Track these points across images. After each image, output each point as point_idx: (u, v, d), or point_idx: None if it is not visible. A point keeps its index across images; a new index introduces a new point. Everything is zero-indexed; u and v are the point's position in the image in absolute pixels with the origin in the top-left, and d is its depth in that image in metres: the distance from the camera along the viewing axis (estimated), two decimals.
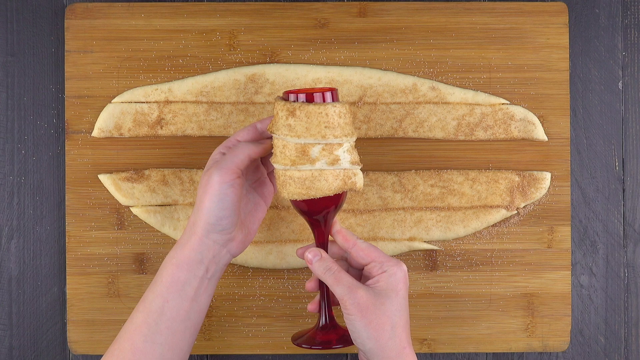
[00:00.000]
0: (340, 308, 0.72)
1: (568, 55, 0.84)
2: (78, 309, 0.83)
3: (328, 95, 0.71)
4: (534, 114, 0.84)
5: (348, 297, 0.69)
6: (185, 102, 0.83)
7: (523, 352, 0.85)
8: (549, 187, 0.84)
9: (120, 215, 0.84)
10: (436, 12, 0.84)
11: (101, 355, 0.83)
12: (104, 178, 0.83)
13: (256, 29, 0.84)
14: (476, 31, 0.84)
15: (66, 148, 0.84)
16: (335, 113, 0.70)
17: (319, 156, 0.70)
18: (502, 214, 0.83)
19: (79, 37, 0.84)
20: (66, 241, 0.84)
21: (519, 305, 0.84)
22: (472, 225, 0.83)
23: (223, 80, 0.83)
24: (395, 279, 0.71)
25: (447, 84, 0.84)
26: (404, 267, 0.72)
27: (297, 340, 0.75)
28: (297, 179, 0.70)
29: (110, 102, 0.84)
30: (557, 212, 0.84)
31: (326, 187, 0.70)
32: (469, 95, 0.84)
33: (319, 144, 0.70)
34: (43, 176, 0.85)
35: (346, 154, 0.71)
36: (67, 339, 0.83)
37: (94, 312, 0.83)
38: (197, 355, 0.85)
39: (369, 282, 0.72)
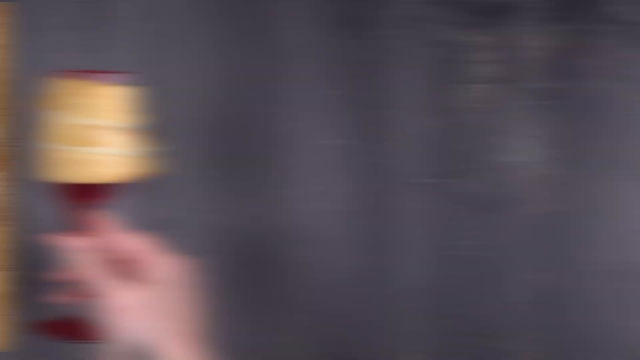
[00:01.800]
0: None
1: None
2: None
3: (111, 76, 0.65)
4: None
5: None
6: None
7: None
8: None
9: None
10: None
11: None
12: None
13: None
14: None
15: None
16: (118, 95, 0.65)
17: (101, 139, 0.63)
18: None
19: None
20: None
21: None
22: None
23: None
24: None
25: None
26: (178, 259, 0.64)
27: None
28: (73, 160, 0.63)
29: None
30: None
31: (104, 172, 0.64)
32: None
33: (102, 125, 0.63)
34: None
35: (126, 140, 0.65)
36: None
37: None
38: None
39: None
